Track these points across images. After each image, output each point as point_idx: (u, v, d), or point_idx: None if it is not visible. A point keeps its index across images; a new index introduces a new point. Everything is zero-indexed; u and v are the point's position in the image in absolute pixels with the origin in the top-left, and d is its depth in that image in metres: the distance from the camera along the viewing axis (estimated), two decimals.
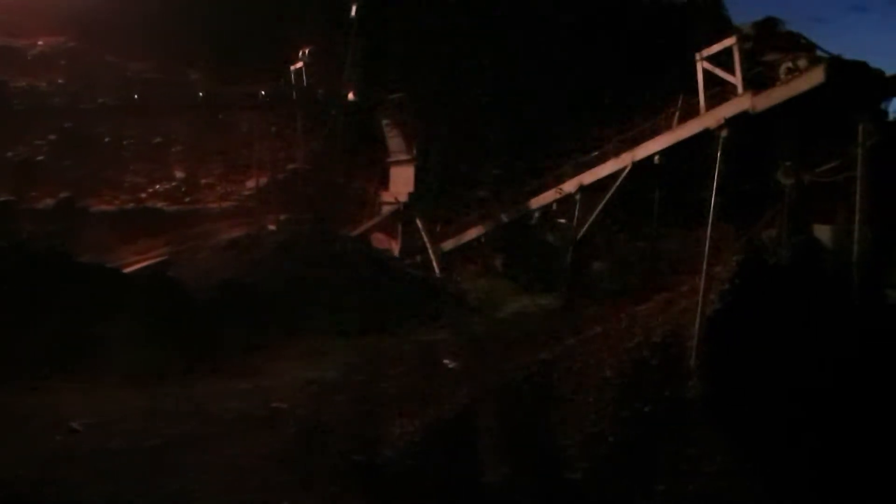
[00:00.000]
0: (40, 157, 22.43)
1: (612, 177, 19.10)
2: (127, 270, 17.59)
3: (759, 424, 9.79)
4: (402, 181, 23.51)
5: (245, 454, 8.76)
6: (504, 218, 20.86)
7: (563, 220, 20.55)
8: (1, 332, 12.20)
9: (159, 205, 22.33)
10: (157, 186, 23.22)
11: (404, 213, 22.42)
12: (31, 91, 24.39)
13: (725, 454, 9.43)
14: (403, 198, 22.79)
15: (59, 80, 25.38)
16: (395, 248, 22.42)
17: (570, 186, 19.89)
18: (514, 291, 19.24)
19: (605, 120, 20.47)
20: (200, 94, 24.99)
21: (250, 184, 23.38)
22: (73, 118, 23.53)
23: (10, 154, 22.01)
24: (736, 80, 16.46)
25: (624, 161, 18.74)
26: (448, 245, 21.33)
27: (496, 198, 21.57)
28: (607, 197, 19.08)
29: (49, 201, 20.83)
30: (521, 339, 13.46)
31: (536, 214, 21.05)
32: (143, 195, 22.74)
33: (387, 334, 14.34)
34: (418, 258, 21.16)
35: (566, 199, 20.25)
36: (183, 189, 23.38)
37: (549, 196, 20.64)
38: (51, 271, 14.70)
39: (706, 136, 16.64)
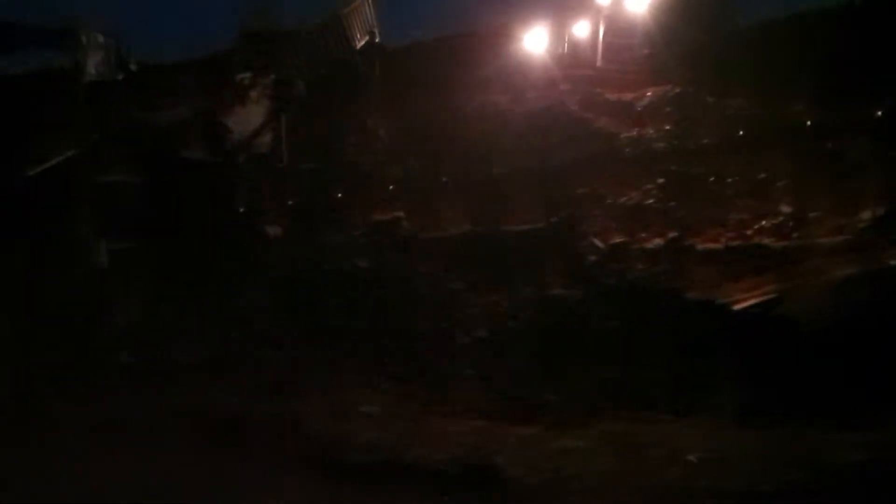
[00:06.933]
0: (650, 201, 23.90)
1: None
2: (735, 308, 17.54)
3: None
4: None
5: None
6: None
7: None
8: (613, 365, 13.23)
9: (765, 241, 21.76)
10: (763, 222, 22.68)
11: None
12: (639, 139, 26.10)
13: None
14: None
15: (666, 126, 26.79)
16: None
17: None
18: None
19: None
20: (808, 122, 23.79)
21: (865, 215, 21.21)
22: (678, 161, 24.55)
23: (622, 199, 23.89)
24: None
25: None
26: None
27: None
28: None
29: (658, 241, 21.94)
30: None
31: None
32: (749, 232, 22.39)
33: None
34: None
35: None
36: (790, 224, 22.40)
37: None
38: (661, 308, 15.53)
39: None
